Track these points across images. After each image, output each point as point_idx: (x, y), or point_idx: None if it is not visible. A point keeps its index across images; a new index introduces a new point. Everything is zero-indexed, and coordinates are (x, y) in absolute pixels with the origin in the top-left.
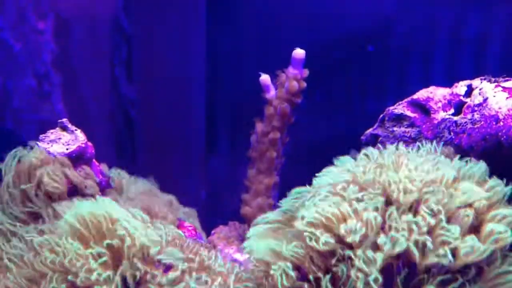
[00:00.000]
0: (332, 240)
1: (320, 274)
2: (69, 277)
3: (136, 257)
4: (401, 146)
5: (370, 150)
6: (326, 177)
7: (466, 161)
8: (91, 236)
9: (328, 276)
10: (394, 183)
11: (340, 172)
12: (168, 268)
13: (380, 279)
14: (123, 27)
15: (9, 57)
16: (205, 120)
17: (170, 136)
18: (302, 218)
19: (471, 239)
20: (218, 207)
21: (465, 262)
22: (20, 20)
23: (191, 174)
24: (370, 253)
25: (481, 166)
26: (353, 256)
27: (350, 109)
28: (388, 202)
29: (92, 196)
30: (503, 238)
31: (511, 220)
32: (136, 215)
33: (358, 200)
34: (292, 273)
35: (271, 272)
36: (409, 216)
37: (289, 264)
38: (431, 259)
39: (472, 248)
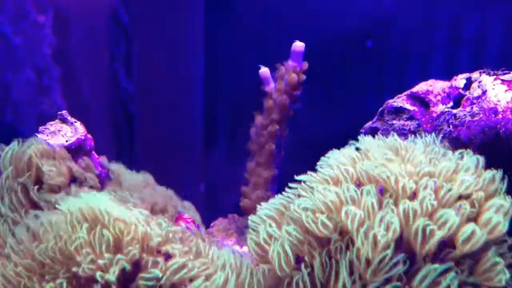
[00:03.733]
0: (330, 224)
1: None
2: (74, 269)
3: (136, 247)
4: (397, 137)
5: (368, 140)
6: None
7: (464, 153)
8: (90, 228)
9: (324, 252)
10: (392, 175)
11: (339, 163)
12: (168, 257)
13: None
14: (122, 22)
15: (8, 50)
16: (204, 114)
17: (169, 130)
18: (302, 207)
19: (470, 226)
20: (217, 200)
21: (464, 252)
22: (20, 14)
23: (190, 167)
24: (371, 237)
25: (478, 159)
26: (354, 240)
27: (350, 103)
28: (386, 195)
29: (92, 187)
30: (499, 227)
31: (507, 210)
32: (136, 208)
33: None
34: (291, 256)
35: (269, 254)
36: (407, 204)
37: (287, 246)
38: (431, 244)
39: (471, 233)
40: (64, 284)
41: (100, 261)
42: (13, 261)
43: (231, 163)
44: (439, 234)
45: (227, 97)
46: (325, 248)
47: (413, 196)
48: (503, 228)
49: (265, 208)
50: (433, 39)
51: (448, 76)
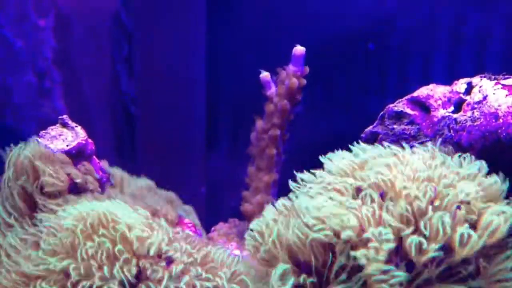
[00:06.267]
0: (331, 233)
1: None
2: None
3: (136, 254)
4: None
5: (368, 147)
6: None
7: (464, 158)
8: (89, 234)
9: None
10: (391, 181)
11: (339, 167)
12: (169, 262)
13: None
14: (124, 24)
15: (9, 54)
16: (206, 117)
17: (171, 133)
18: (306, 209)
19: (464, 228)
20: (218, 204)
21: (462, 256)
22: (21, 17)
23: (191, 171)
24: (373, 245)
25: (480, 164)
26: (355, 250)
27: (350, 106)
28: (385, 199)
29: (92, 192)
30: (499, 230)
31: (508, 216)
32: (139, 211)
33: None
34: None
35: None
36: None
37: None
38: (428, 254)
39: (466, 236)
40: None
41: (104, 270)
42: (7, 269)
43: (232, 166)
44: (433, 247)
45: (229, 99)
46: (327, 253)
47: (413, 200)
48: (503, 231)
49: (268, 211)
50: (435, 39)
51: (450, 77)
